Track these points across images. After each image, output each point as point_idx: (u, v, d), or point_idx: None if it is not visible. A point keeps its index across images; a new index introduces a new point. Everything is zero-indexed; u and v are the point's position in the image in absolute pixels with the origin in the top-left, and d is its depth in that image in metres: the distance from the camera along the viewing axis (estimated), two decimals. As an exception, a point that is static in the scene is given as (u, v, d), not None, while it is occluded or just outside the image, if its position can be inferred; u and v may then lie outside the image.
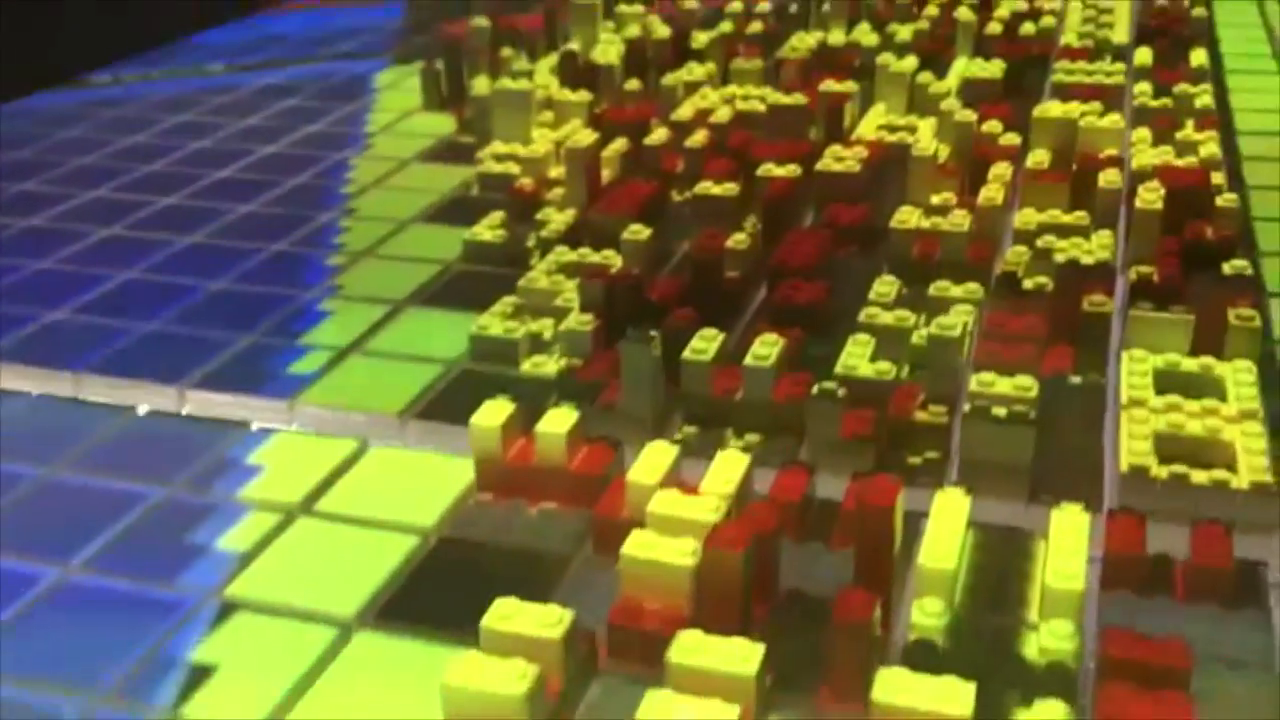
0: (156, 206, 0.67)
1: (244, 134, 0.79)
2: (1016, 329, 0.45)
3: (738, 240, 0.53)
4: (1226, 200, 0.55)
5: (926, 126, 0.70)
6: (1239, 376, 0.43)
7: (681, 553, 0.33)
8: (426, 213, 0.65)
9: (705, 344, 0.44)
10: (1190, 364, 0.44)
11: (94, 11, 1.02)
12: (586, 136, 0.62)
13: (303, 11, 1.12)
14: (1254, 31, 0.93)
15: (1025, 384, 0.41)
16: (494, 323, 0.49)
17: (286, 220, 0.65)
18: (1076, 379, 0.46)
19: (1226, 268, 0.49)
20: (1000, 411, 0.39)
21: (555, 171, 0.65)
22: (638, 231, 0.52)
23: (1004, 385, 0.42)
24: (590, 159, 0.61)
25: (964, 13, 0.87)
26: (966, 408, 0.40)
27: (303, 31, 1.05)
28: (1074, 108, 0.63)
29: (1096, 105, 0.71)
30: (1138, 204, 0.52)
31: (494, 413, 0.40)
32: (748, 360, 0.43)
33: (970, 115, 0.63)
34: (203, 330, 0.53)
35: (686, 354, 0.44)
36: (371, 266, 0.59)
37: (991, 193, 0.56)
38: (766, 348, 0.44)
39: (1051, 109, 0.63)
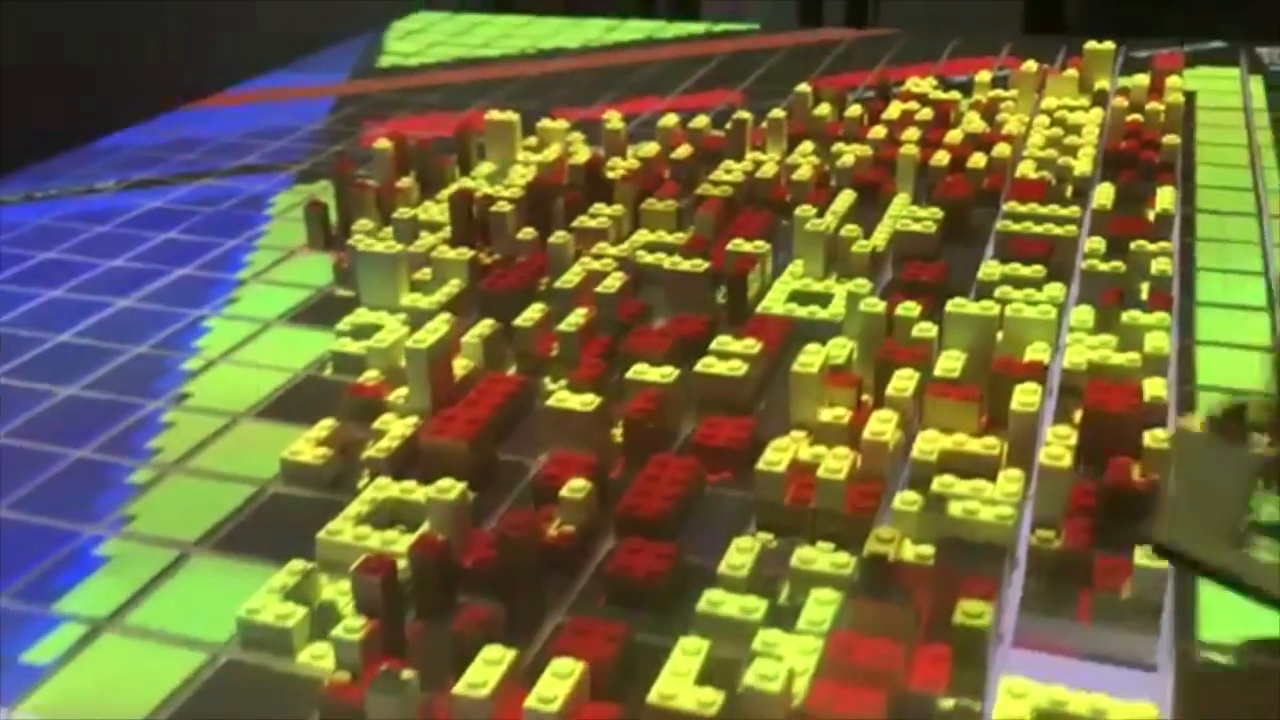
0: (-30, 388, 0.60)
1: (104, 280, 0.71)
2: (866, 659, 0.37)
3: (574, 490, 0.46)
4: (1156, 440, 0.47)
5: (841, 295, 0.62)
6: (1136, 733, 0.35)
7: None
8: (265, 402, 0.58)
9: (485, 673, 0.36)
10: (1080, 705, 0.36)
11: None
12: (432, 333, 0.54)
13: (227, 107, 1.06)
14: (1236, 153, 0.84)
15: (856, 765, 0.33)
16: (268, 603, 0.42)
17: (106, 411, 0.57)
18: (949, 702, 0.38)
19: (1140, 555, 0.41)
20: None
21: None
22: (446, 489, 0.44)
23: (831, 762, 0.34)
24: (438, 357, 0.54)
25: (908, 143, 0.79)
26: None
27: (219, 134, 0.98)
28: (991, 305, 0.55)
29: (1039, 269, 0.63)
30: (1043, 459, 0.44)
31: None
32: (530, 703, 0.35)
33: (878, 306, 0.55)
34: (-48, 585, 0.46)
35: (460, 688, 0.36)
36: (176, 488, 0.51)
37: (881, 425, 0.48)
38: (556, 683, 0.36)
39: (967, 306, 0.55)
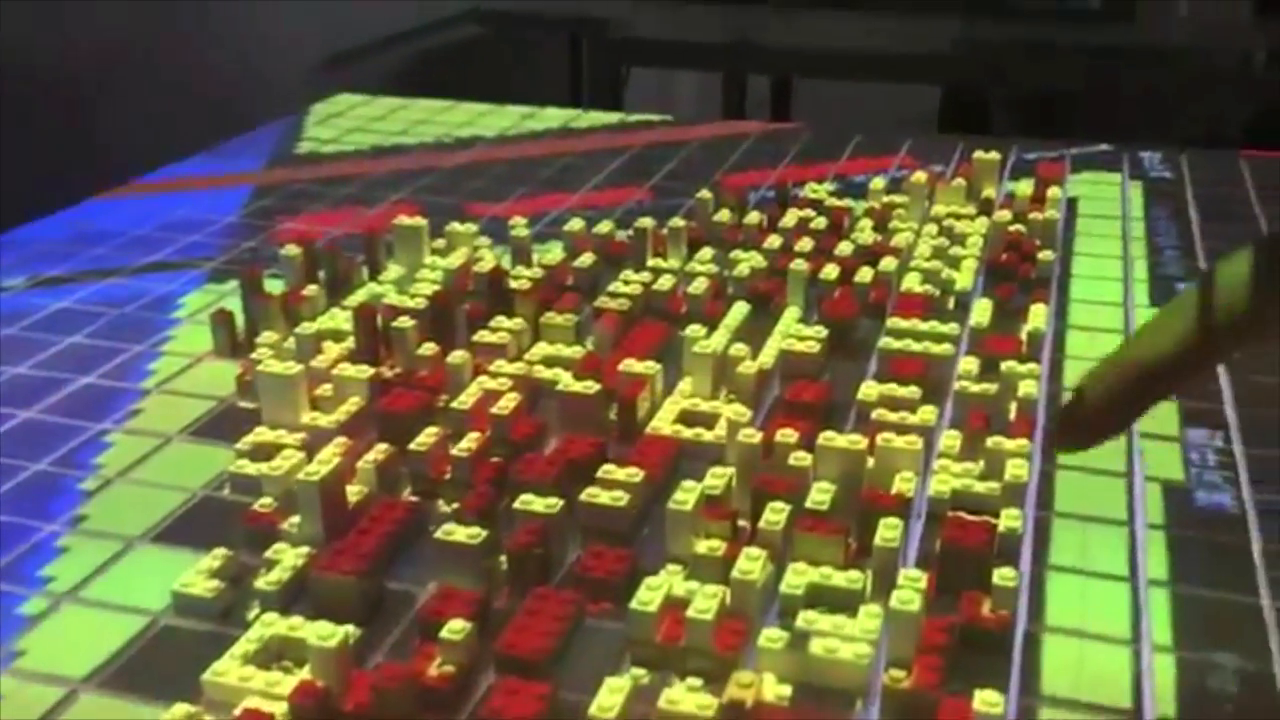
0: None
1: (7, 390, 0.72)
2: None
3: (453, 631, 0.47)
4: (1004, 579, 0.50)
5: (727, 416, 0.64)
6: None
7: None
8: (160, 525, 0.59)
9: (353, 830, 0.38)
10: None
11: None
12: (324, 464, 0.56)
13: (141, 197, 1.07)
14: (1112, 265, 0.89)
15: None
16: (149, 751, 0.43)
17: (1, 535, 0.58)
18: None
19: (980, 702, 0.44)
20: None
21: (304, 484, 0.59)
22: (327, 636, 0.46)
23: None
24: (330, 487, 0.56)
25: (799, 256, 0.82)
26: None
27: (132, 226, 0.99)
28: (859, 439, 0.58)
29: (915, 390, 0.66)
30: (893, 603, 0.47)
31: None
32: None
33: (754, 437, 0.58)
34: None
35: (328, 845, 0.38)
36: (68, 620, 0.52)
37: (749, 563, 0.50)
38: (420, 841, 0.38)
39: (836, 439, 0.58)
